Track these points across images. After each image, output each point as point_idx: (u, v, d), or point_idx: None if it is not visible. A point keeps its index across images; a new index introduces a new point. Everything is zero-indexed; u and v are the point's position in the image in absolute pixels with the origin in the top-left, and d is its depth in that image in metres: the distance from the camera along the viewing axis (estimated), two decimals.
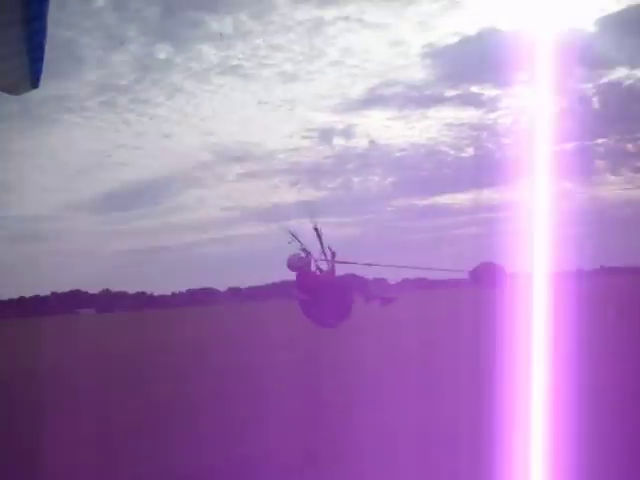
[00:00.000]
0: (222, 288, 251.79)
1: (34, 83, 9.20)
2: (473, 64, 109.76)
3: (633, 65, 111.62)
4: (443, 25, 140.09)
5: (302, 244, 12.10)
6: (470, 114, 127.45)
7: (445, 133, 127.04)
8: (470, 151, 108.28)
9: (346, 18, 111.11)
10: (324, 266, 11.14)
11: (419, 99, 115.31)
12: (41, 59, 8.72)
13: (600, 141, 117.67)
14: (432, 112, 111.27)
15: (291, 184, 48.06)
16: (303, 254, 11.67)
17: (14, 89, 9.36)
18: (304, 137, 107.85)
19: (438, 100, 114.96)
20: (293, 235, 12.19)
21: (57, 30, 44.62)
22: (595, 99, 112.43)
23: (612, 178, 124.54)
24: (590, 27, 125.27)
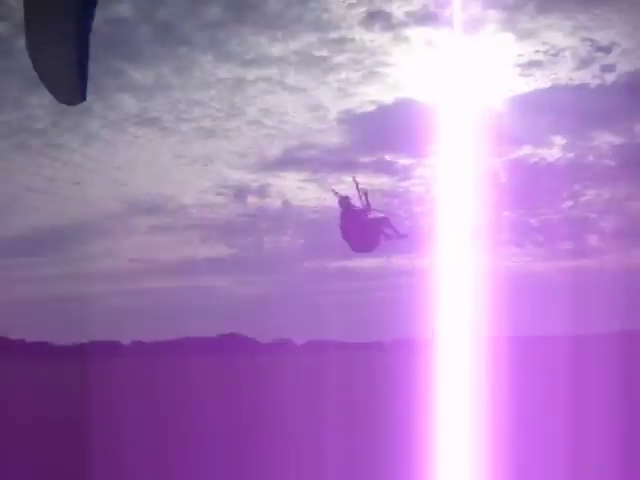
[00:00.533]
0: (126, 341, 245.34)
1: (83, 96, 10.67)
2: (388, 132, 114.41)
3: (537, 144, 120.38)
4: (361, 93, 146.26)
5: (339, 194, 13.61)
6: (383, 181, 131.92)
7: (358, 198, 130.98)
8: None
9: (267, 79, 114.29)
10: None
11: (334, 163, 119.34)
12: (86, 75, 10.49)
13: (506, 214, 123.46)
14: (346, 177, 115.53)
15: (202, 239, 48.14)
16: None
17: (70, 100, 10.92)
18: (218, 194, 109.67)
19: (353, 165, 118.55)
20: (334, 190, 13.73)
21: None
22: (502, 174, 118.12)
23: (515, 250, 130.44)
24: (499, 105, 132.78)
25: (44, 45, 9.14)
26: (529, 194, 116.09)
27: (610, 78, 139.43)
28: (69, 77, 9.84)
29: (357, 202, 13.43)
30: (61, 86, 10.20)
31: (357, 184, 13.05)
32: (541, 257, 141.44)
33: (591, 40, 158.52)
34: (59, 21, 8.78)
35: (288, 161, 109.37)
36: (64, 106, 29.26)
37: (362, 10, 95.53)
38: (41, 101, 66.10)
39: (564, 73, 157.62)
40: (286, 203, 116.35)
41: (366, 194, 12.75)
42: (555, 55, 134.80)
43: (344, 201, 12.96)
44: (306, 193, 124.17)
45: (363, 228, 12.31)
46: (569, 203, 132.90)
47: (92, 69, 30.87)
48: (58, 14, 8.68)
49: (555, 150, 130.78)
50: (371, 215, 12.49)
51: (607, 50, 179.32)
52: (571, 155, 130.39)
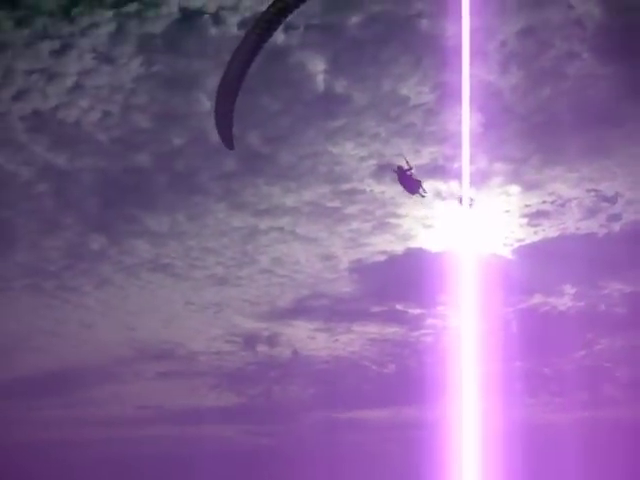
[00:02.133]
0: None
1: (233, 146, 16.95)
2: (399, 282, 48.39)
3: (548, 293, 37.57)
4: (372, 243, 54.98)
5: (396, 168, 19.36)
6: (394, 331, 55.94)
7: (368, 348, 57.64)
8: (392, 367, 52.67)
9: (280, 229, 54.51)
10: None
11: (345, 312, 55.07)
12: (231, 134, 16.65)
13: (518, 364, 44.38)
14: (357, 326, 53.58)
15: (211, 387, 42.46)
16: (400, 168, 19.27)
17: (230, 146, 16.99)
18: (228, 341, 61.86)
19: (363, 315, 53.56)
20: (400, 172, 19.28)
21: None
22: (514, 323, 43.24)
23: (530, 400, 46.20)
24: (509, 255, 40.54)
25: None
26: (542, 343, 43.02)
27: (616, 227, 49.42)
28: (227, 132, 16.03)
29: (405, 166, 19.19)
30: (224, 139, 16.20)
31: (405, 159, 18.84)
32: (556, 407, 47.47)
33: (596, 191, 46.71)
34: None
35: (299, 310, 57.82)
36: (78, 249, 38.49)
37: (373, 163, 41.32)
38: (56, 244, 49.22)
39: (571, 223, 49.37)
40: (296, 352, 60.86)
41: (409, 164, 18.68)
42: (562, 205, 46.94)
43: (399, 168, 18.86)
44: (316, 342, 60.66)
45: (408, 180, 19.03)
46: (583, 352, 41.21)
47: (109, 215, 37.20)
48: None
49: (566, 299, 56.45)
50: (411, 174, 18.88)
51: (612, 200, 48.40)
52: (582, 304, 57.54)
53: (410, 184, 19.25)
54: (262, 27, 15.25)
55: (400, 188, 36.46)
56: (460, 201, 21.22)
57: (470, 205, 21.36)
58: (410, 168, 19.27)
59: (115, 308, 41.68)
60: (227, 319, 42.42)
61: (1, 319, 43.42)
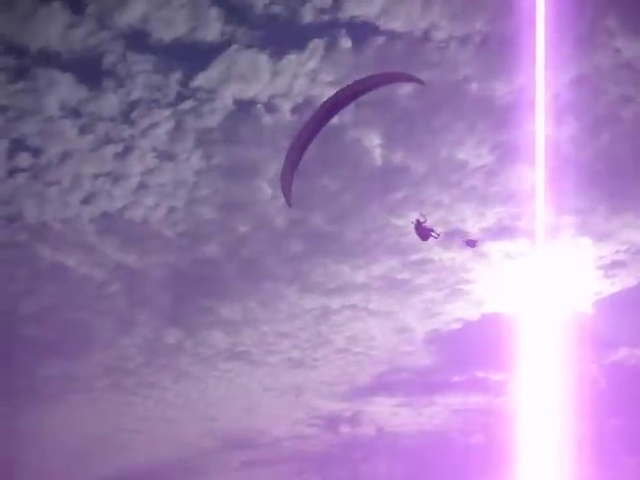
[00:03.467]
0: None
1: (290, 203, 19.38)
2: (478, 349, 42.22)
3: (634, 344, 30.19)
4: (447, 312, 48.61)
5: (415, 222, 21.06)
6: (477, 399, 47.51)
7: (453, 419, 49.65)
8: (479, 437, 45.69)
9: (352, 306, 50.69)
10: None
11: (426, 384, 48.96)
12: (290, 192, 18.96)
13: (612, 422, 35.97)
14: (439, 398, 47.27)
15: (296, 473, 40.92)
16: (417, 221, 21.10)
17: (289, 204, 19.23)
18: (310, 424, 56.78)
19: (445, 386, 47.18)
20: (417, 223, 21.00)
21: (70, 312, 41.10)
22: (602, 379, 36.06)
23: (629, 460, 36.45)
24: (588, 309, 34.43)
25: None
26: (634, 398, 32.58)
27: None
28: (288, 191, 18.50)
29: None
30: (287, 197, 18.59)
31: (421, 213, 20.90)
32: None
33: None
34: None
35: (379, 386, 52.65)
36: (155, 345, 38.43)
37: (439, 231, 34.68)
38: (133, 341, 48.00)
39: None
40: (380, 430, 54.66)
41: (424, 217, 20.85)
42: (636, 253, 42.87)
43: (417, 222, 20.66)
44: (400, 418, 53.72)
45: (422, 229, 20.58)
46: None
47: (182, 308, 37.80)
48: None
49: None
50: (426, 224, 20.54)
51: None
52: None
53: (423, 232, 20.97)
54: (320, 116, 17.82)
55: (469, 253, 36.32)
56: (468, 244, 23.20)
57: (473, 245, 23.20)
58: (425, 220, 21.05)
59: (195, 400, 41.76)
60: (307, 402, 42.01)
61: (84, 420, 43.80)
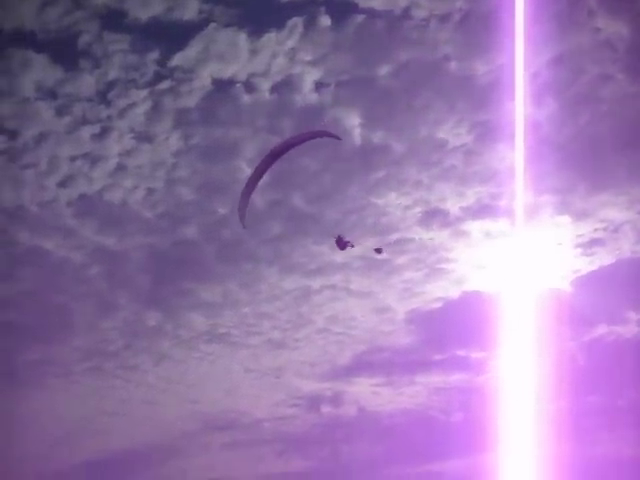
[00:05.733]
0: None
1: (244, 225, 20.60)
2: (458, 328, 44.46)
3: (612, 322, 33.20)
4: (427, 291, 50.52)
5: (336, 237, 22.28)
6: (459, 378, 50.13)
7: (434, 398, 52.12)
8: (460, 415, 47.90)
9: (333, 287, 51.99)
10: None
11: (406, 364, 50.91)
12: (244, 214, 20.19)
13: (591, 398, 38.65)
14: (420, 377, 49.28)
15: (278, 454, 41.33)
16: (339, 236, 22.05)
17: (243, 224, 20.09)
18: (291, 405, 58.01)
19: (425, 365, 49.28)
20: (337, 238, 22.13)
21: (49, 296, 41.03)
22: (581, 356, 38.73)
23: (607, 435, 39.33)
24: (567, 287, 38.96)
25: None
26: (612, 374, 36.12)
27: None
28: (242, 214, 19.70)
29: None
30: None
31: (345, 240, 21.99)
32: (634, 441, 37.51)
33: None
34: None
35: (360, 366, 54.16)
36: (135, 327, 38.14)
37: (418, 210, 38.84)
38: (114, 324, 48.16)
39: (627, 247, 45.93)
40: (361, 409, 56.41)
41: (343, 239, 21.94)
42: (615, 231, 44.22)
43: (338, 237, 21.80)
44: (381, 397, 55.77)
45: (341, 242, 21.11)
46: None
47: (162, 291, 36.77)
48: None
49: (632, 326, 46.70)
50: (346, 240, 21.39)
51: None
52: None
53: (341, 244, 21.77)
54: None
55: (448, 232, 36.43)
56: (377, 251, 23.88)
57: (379, 252, 23.79)
58: (344, 237, 21.89)
59: (176, 382, 41.70)
60: (288, 383, 42.03)
61: (64, 404, 43.56)
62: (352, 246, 22.03)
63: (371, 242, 38.07)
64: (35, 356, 39.53)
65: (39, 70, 32.03)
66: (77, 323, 38.92)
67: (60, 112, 32.81)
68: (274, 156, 19.86)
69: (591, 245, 37.00)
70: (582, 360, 39.48)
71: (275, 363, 42.35)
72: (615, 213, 36.04)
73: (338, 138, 19.94)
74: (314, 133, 20.15)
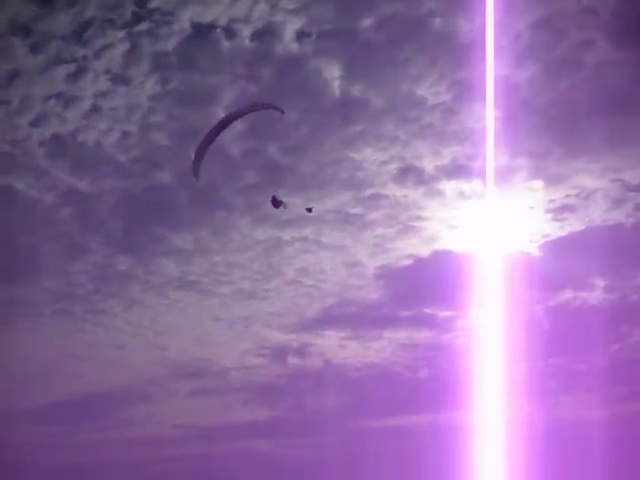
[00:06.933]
0: None
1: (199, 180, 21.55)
2: (427, 285, 46.60)
3: (578, 287, 35.97)
4: (398, 247, 52.25)
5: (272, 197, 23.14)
6: (424, 335, 52.93)
7: (399, 354, 55.07)
8: (425, 372, 50.56)
9: (304, 239, 52.70)
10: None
11: (374, 319, 53.15)
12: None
13: (552, 361, 42.15)
14: (387, 332, 51.77)
15: (244, 402, 42.29)
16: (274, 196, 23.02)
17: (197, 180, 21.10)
18: (258, 355, 59.72)
19: (393, 321, 51.53)
20: (273, 198, 23.16)
21: (19, 236, 40.77)
22: (546, 320, 41.72)
23: (565, 398, 43.43)
24: (536, 251, 42.29)
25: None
26: (574, 339, 40.31)
27: None
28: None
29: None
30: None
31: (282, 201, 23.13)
32: (592, 403, 42.67)
33: (621, 180, 44.43)
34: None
35: (328, 319, 55.67)
36: (106, 271, 38.39)
37: (394, 167, 40.50)
38: (84, 267, 47.91)
39: (598, 214, 47.29)
40: (327, 362, 58.49)
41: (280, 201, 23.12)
42: (587, 198, 45.32)
43: (273, 197, 22.73)
44: (347, 351, 58.01)
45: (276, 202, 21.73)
46: (617, 345, 37.76)
47: (133, 236, 37.11)
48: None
49: (597, 292, 49.61)
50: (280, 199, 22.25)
51: (638, 189, 46.01)
52: (614, 296, 48.94)
53: (275, 203, 22.95)
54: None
55: (423, 190, 36.48)
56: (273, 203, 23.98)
57: (277, 205, 23.92)
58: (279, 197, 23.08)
59: (145, 328, 41.83)
60: (256, 333, 42.36)
61: (32, 346, 43.48)
62: (285, 207, 22.97)
63: (346, 197, 38.56)
64: (2, 296, 39.27)
65: (12, 5, 30.92)
66: (47, 265, 38.70)
67: (34, 49, 31.91)
68: (224, 124, 20.79)
69: (562, 211, 37.28)
70: (547, 324, 40.16)
71: (244, 313, 42.65)
72: (588, 180, 36.27)
73: (282, 111, 20.94)
74: (261, 105, 21.08)
